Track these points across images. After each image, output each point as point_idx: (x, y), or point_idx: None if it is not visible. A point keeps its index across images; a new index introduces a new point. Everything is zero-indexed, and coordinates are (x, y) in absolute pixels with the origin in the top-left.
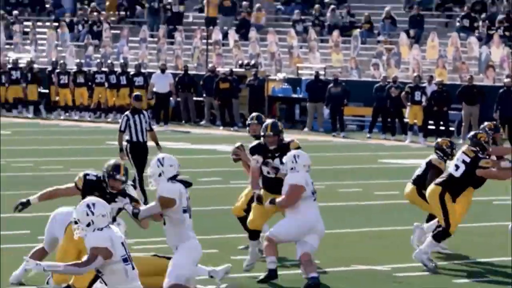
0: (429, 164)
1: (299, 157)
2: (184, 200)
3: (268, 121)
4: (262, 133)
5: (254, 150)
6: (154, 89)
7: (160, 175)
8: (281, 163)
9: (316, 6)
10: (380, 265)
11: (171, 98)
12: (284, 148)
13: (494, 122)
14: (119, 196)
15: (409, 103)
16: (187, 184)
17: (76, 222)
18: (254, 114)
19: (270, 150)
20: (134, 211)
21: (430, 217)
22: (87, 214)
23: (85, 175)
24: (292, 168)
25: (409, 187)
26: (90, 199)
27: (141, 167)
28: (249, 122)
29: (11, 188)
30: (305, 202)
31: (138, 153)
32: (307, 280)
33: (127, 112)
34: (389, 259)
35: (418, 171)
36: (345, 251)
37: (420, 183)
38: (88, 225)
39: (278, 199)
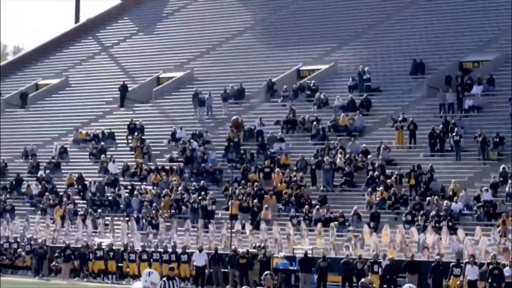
0: None
1: None
2: None
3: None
4: (263, 277)
5: None
6: (195, 264)
7: None
8: None
9: (306, 206)
10: None
11: (206, 270)
12: None
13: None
14: None
15: (370, 273)
16: None
17: None
18: (267, 271)
19: None
20: None
21: None
22: None
23: None
24: None
25: None
26: None
27: None
28: (264, 277)
29: None
30: None
31: None
32: None
33: (164, 278)
34: None
35: None
36: None
37: None
38: None
39: None
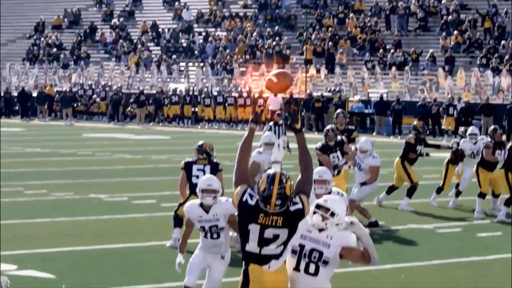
0: (406, 142)
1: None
2: None
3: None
4: (335, 115)
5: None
6: (269, 108)
7: None
8: (349, 141)
9: (381, 50)
10: None
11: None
12: (349, 131)
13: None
14: None
15: (445, 115)
16: None
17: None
18: (340, 110)
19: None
20: None
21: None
22: None
23: None
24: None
25: (396, 160)
26: None
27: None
28: (337, 115)
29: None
30: None
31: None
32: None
33: (271, 123)
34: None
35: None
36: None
37: (403, 157)
38: None
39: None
